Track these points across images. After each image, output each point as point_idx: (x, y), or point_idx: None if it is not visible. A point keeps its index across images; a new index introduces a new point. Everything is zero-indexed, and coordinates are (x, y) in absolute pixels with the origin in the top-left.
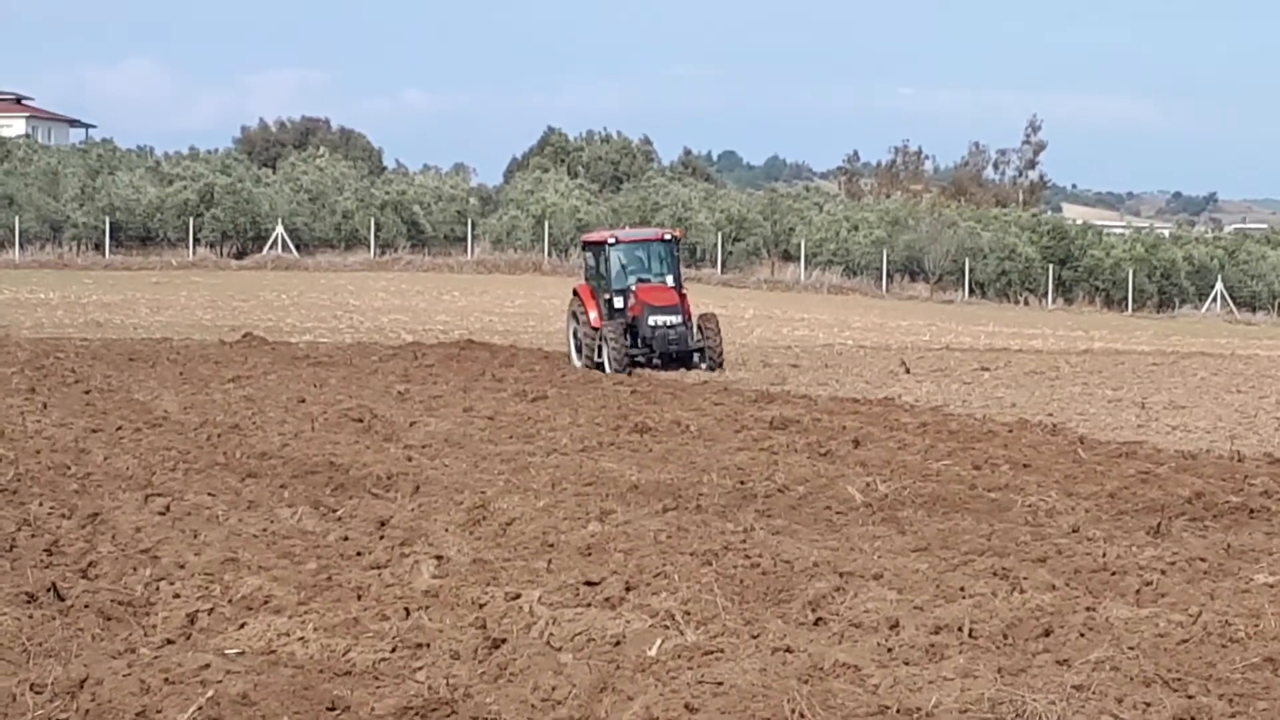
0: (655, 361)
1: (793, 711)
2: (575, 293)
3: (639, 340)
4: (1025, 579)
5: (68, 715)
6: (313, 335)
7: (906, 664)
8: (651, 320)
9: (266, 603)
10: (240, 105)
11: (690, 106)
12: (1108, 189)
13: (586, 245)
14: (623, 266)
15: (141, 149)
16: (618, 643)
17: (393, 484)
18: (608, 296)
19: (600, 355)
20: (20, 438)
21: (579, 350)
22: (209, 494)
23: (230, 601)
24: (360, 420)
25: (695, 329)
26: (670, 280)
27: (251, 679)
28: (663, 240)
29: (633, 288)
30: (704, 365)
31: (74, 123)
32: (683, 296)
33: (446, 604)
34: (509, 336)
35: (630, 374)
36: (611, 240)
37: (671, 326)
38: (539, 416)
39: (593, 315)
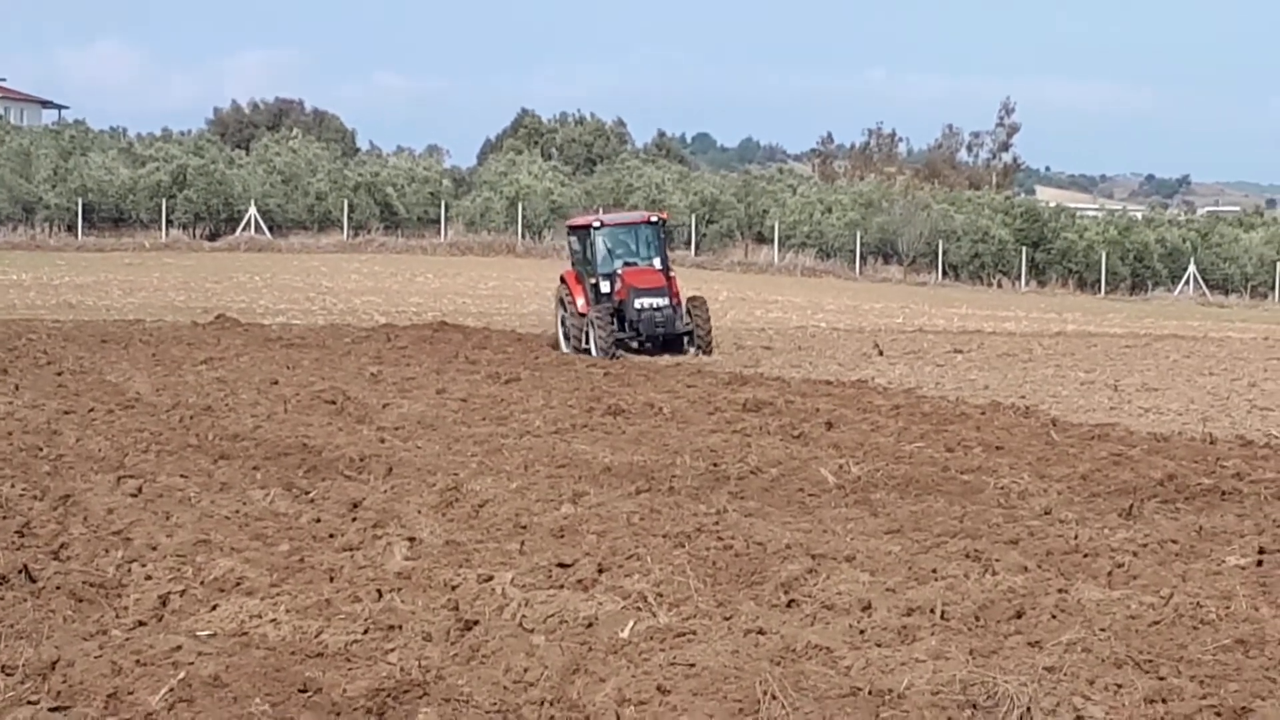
0: (645, 345)
1: (765, 693)
2: (562, 279)
3: (626, 324)
4: (997, 561)
5: (39, 697)
6: (286, 317)
7: (879, 646)
8: (638, 303)
9: (238, 584)
10: (213, 87)
11: (664, 89)
12: (1081, 171)
13: (572, 230)
14: (608, 250)
15: (114, 130)
16: (590, 624)
17: (365, 466)
18: (594, 281)
19: (587, 341)
20: None
21: (566, 337)
22: (181, 476)
23: (202, 583)
24: (333, 402)
25: (684, 312)
26: (657, 263)
27: (223, 660)
28: (648, 223)
29: (619, 271)
30: (693, 349)
31: (46, 104)
32: (670, 279)
33: (419, 586)
34: (482, 318)
35: (617, 358)
36: (596, 224)
37: (659, 309)
38: (512, 398)
39: (580, 301)
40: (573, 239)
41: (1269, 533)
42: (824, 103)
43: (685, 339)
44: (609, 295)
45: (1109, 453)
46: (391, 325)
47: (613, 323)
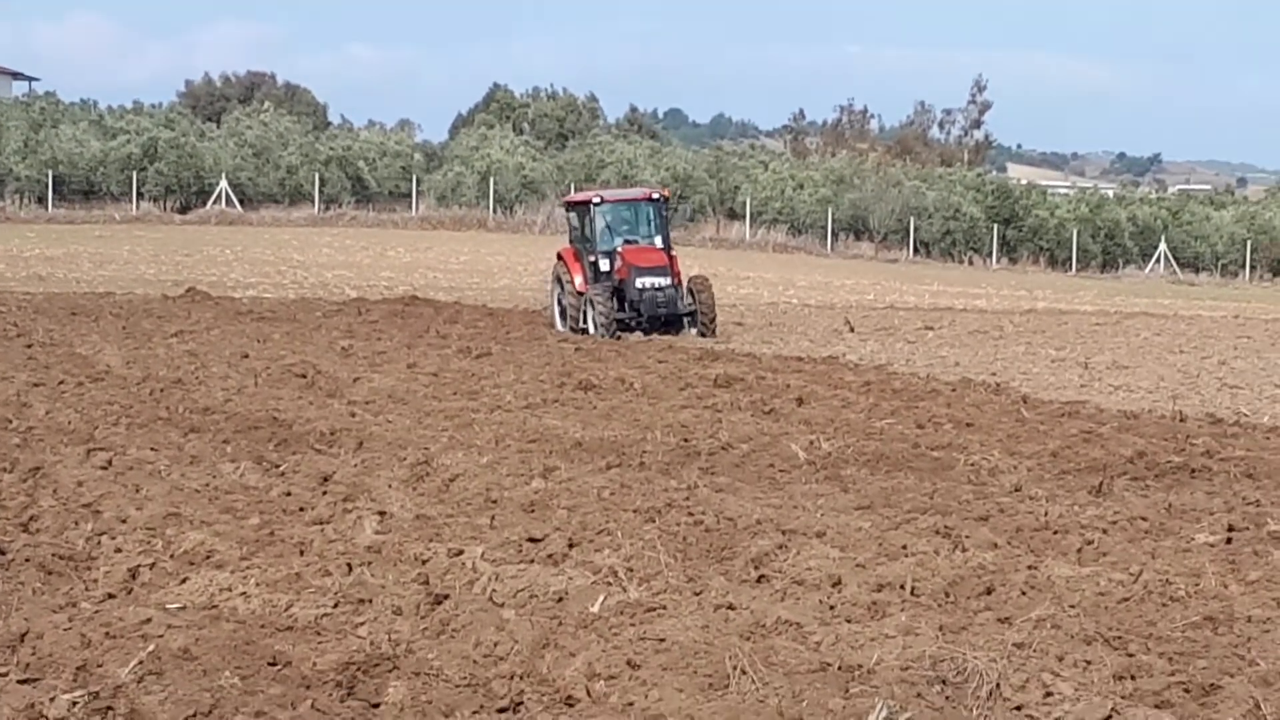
0: (643, 325)
1: (734, 668)
2: (559, 256)
3: (626, 304)
4: (967, 537)
5: (7, 669)
6: (256, 290)
7: (848, 621)
8: (639, 282)
9: (208, 558)
10: (185, 59)
11: (636, 64)
12: (1052, 149)
13: (570, 206)
14: (608, 227)
15: (85, 102)
16: (560, 599)
17: (336, 440)
18: (593, 259)
19: (585, 320)
20: None
21: (563, 316)
22: (151, 449)
23: (172, 556)
24: (304, 376)
25: (686, 292)
26: (658, 241)
27: (193, 634)
28: (650, 200)
29: (619, 249)
30: (694, 330)
31: (17, 75)
32: (672, 258)
33: (389, 560)
34: (453, 293)
35: (617, 338)
36: (596, 200)
37: (660, 289)
38: (483, 373)
39: (578, 280)
40: (571, 215)
41: (1238, 510)
42: (796, 79)
43: (686, 319)
44: (608, 274)
45: (1079, 430)
46: (362, 299)
47: (613, 302)
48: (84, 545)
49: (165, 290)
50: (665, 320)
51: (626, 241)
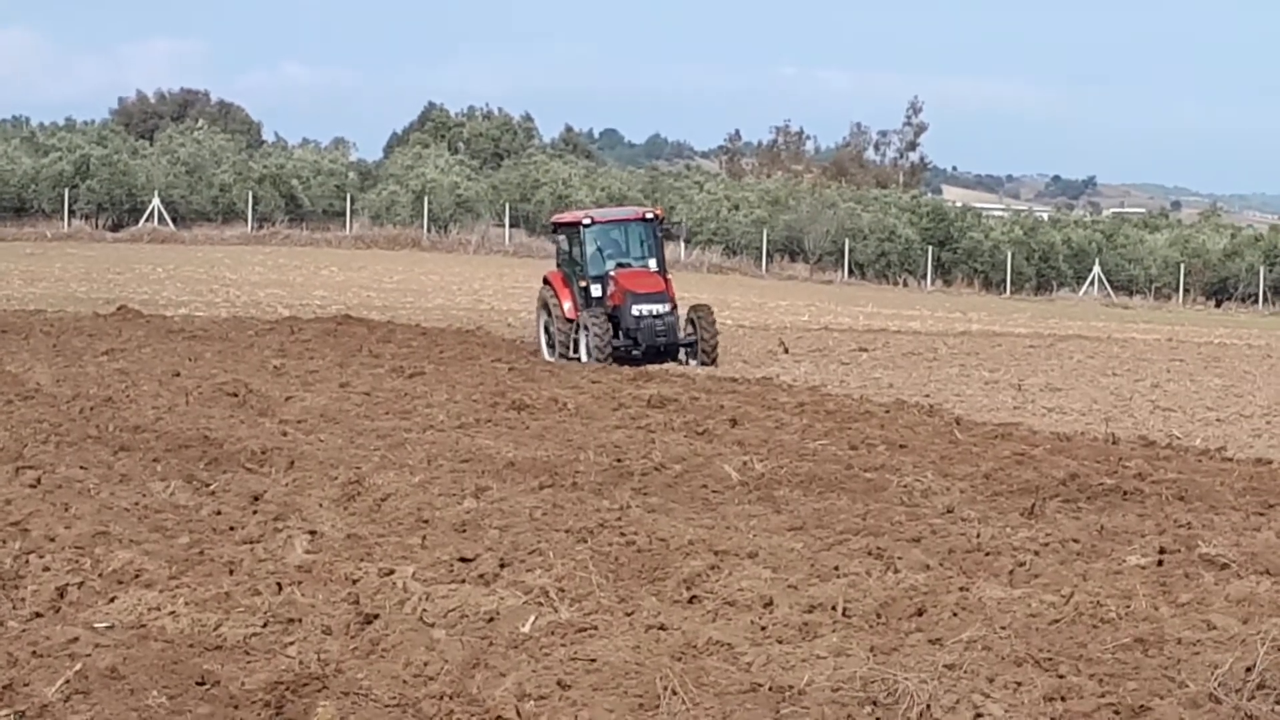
0: (635, 354)
1: (665, 689)
2: (546, 280)
3: (622, 331)
4: (899, 559)
5: None
6: (188, 309)
7: (780, 642)
8: (636, 309)
9: (137, 576)
10: (118, 77)
11: (572, 84)
12: (987, 171)
13: (558, 228)
14: (599, 250)
15: (16, 119)
16: (491, 619)
17: (267, 459)
18: (584, 284)
19: (576, 349)
20: None
21: (551, 345)
22: (81, 467)
23: (100, 575)
24: (235, 394)
25: (685, 320)
26: (653, 264)
27: (121, 653)
28: (643, 220)
29: (612, 273)
30: (693, 361)
31: None
32: (668, 283)
33: (319, 579)
34: (387, 312)
35: (611, 363)
36: (586, 221)
37: (659, 316)
38: (416, 393)
39: (567, 305)
40: (560, 237)
41: (1169, 533)
42: (732, 100)
43: (684, 349)
44: (601, 300)
45: (1012, 452)
46: (295, 318)
47: (609, 329)
48: (11, 564)
49: (96, 308)
50: (663, 349)
51: (619, 265)
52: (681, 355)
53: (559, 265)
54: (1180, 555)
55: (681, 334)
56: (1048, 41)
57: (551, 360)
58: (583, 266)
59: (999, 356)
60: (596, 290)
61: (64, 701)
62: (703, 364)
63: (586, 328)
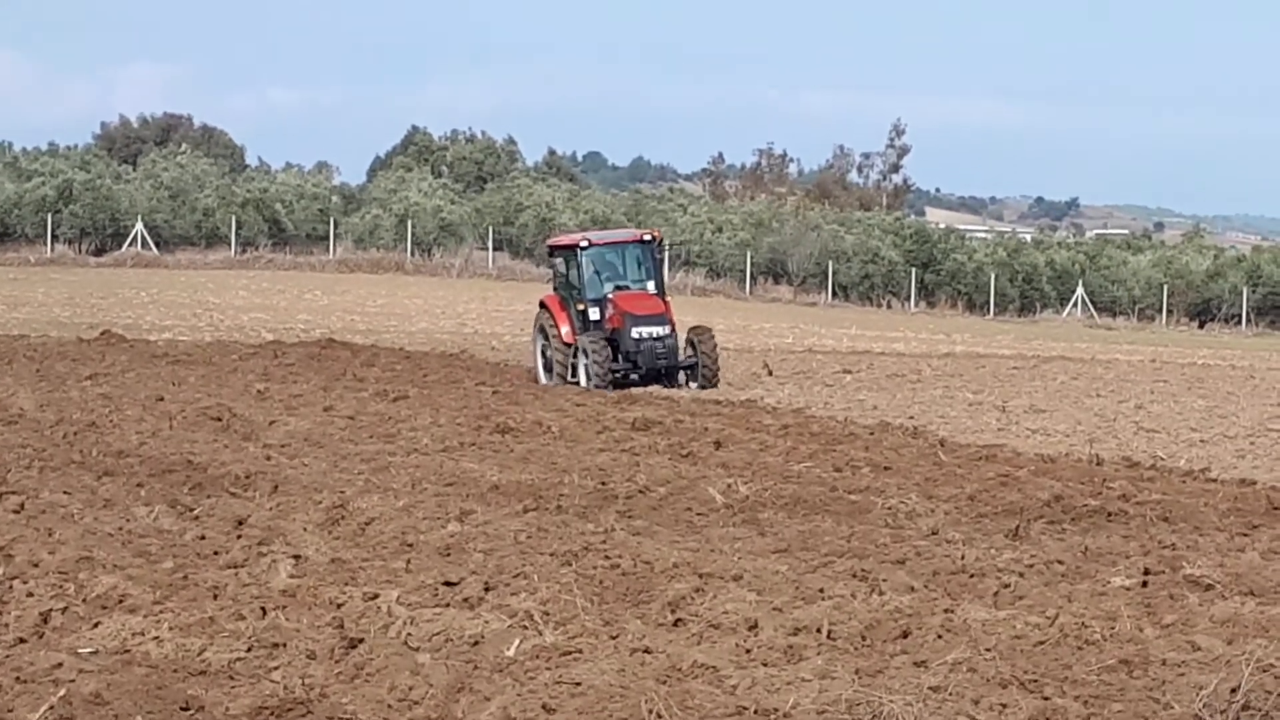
0: (632, 378)
1: (650, 712)
2: (543, 304)
3: (622, 355)
4: (884, 581)
5: None
6: (172, 333)
7: (765, 665)
8: (636, 332)
9: (121, 602)
10: (101, 101)
11: (555, 107)
12: (971, 193)
13: (554, 250)
14: (596, 273)
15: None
16: (476, 643)
17: (251, 483)
18: (581, 307)
19: (574, 373)
20: None
21: (549, 369)
22: (64, 492)
23: (84, 600)
24: (219, 419)
25: (685, 343)
26: (651, 287)
27: (105, 678)
28: (641, 242)
29: (610, 296)
30: (694, 384)
31: None
32: (666, 305)
33: (303, 604)
34: (370, 336)
35: (611, 390)
36: (584, 243)
37: (660, 339)
38: (400, 416)
39: (564, 329)
40: (557, 260)
41: (1154, 554)
42: (715, 122)
43: (684, 373)
44: (599, 323)
45: (996, 473)
46: (279, 342)
47: (608, 352)
48: None
49: (80, 333)
50: (664, 372)
51: (617, 287)
52: (681, 378)
53: (555, 289)
54: (1165, 576)
55: (683, 358)
56: (1031, 63)
57: (549, 384)
58: (580, 290)
59: (983, 378)
60: (594, 314)
61: None
62: (703, 387)
63: (585, 352)
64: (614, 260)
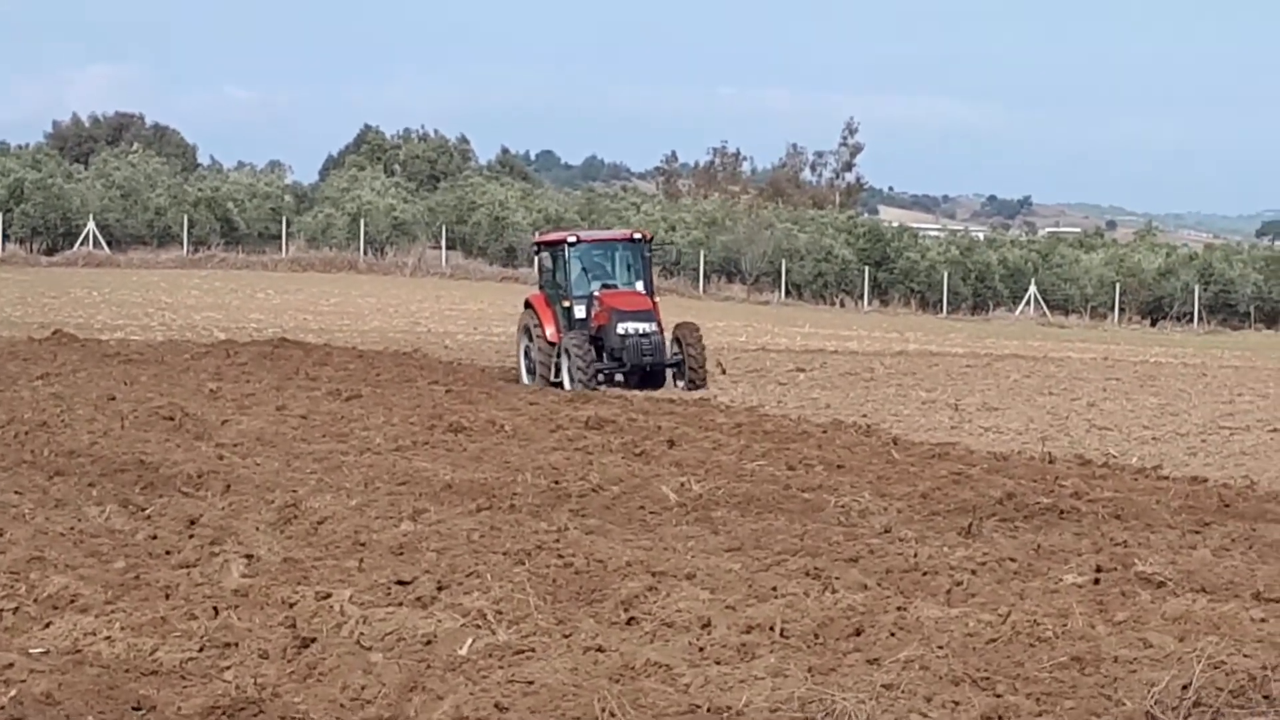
0: (626, 376)
1: (603, 710)
2: (528, 304)
3: (606, 353)
4: (837, 579)
5: None
6: (124, 332)
7: (718, 663)
8: (621, 328)
9: (73, 602)
10: (53, 100)
11: (508, 106)
12: (923, 191)
13: (542, 247)
14: (584, 270)
15: None
16: (429, 642)
17: (203, 482)
18: (567, 304)
19: (558, 373)
20: None
21: (531, 370)
22: (15, 492)
23: (35, 600)
24: (171, 418)
25: (672, 340)
26: (640, 286)
27: (56, 678)
28: (631, 241)
29: (596, 294)
30: (680, 383)
31: None
32: (654, 305)
33: (256, 603)
34: (323, 335)
35: (596, 389)
36: (571, 240)
37: (645, 336)
38: (352, 415)
39: (549, 329)
40: (543, 257)
41: (1106, 551)
42: (668, 121)
43: (671, 371)
44: (584, 321)
45: (949, 471)
46: (231, 341)
47: (591, 350)
48: None
49: (31, 332)
50: (650, 371)
51: (605, 286)
52: (668, 378)
53: (541, 287)
54: (1117, 574)
55: (668, 356)
56: (983, 62)
57: (530, 385)
58: (566, 288)
59: (936, 376)
60: (580, 311)
61: None
62: (690, 386)
63: (568, 353)
64: (601, 259)
